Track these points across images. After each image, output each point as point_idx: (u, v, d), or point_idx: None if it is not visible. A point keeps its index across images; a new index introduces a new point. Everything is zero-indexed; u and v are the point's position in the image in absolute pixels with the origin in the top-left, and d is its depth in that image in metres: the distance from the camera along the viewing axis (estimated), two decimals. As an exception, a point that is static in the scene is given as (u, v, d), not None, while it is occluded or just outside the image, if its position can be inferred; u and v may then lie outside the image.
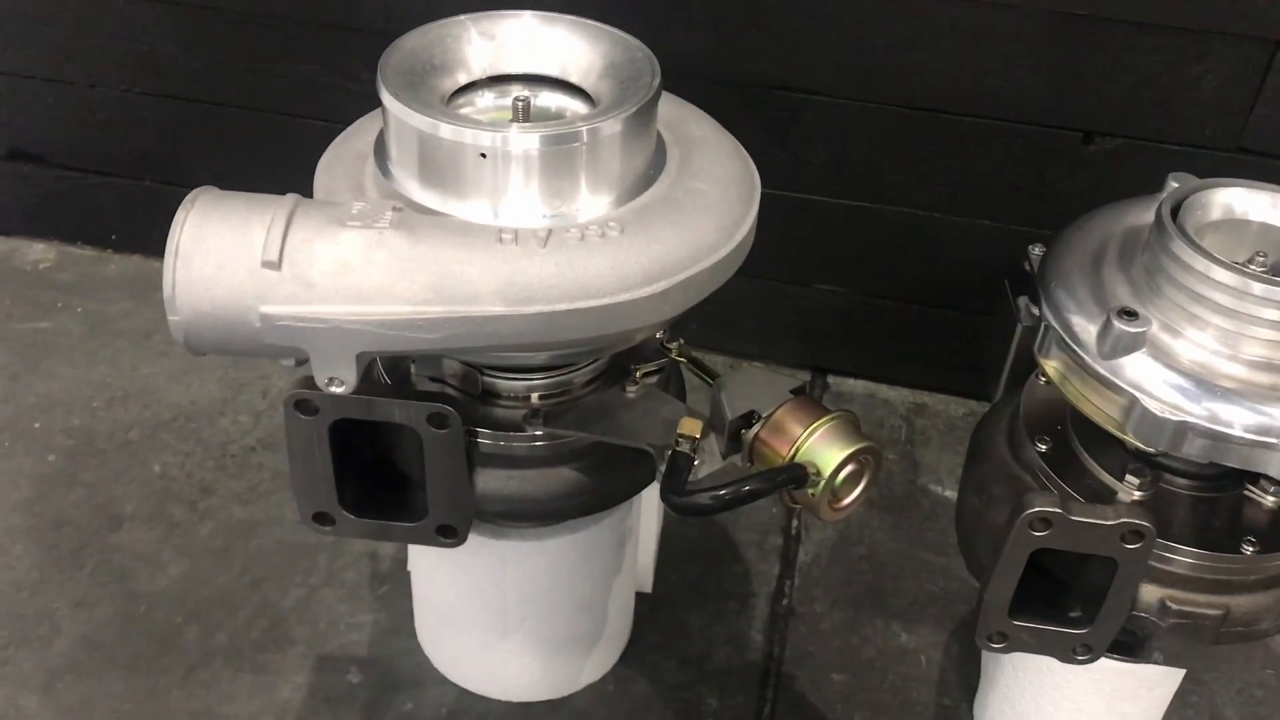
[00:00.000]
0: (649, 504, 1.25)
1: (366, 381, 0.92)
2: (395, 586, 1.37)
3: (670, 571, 1.41)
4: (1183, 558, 0.94)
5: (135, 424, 1.57)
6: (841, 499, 0.96)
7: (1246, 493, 0.97)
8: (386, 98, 0.89)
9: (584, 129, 0.87)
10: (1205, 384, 0.86)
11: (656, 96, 0.92)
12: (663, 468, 0.96)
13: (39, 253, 1.86)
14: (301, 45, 1.58)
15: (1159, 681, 1.13)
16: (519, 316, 0.84)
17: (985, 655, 1.27)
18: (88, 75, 1.69)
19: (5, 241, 1.87)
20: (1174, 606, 0.94)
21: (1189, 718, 1.31)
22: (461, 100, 0.96)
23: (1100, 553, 0.91)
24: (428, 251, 0.83)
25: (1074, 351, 0.90)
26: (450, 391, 1.03)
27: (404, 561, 1.32)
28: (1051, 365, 0.94)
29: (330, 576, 1.39)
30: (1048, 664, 1.04)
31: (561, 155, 0.87)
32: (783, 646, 1.35)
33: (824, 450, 0.93)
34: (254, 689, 1.27)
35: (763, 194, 0.98)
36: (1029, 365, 1.02)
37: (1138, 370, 0.87)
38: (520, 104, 0.95)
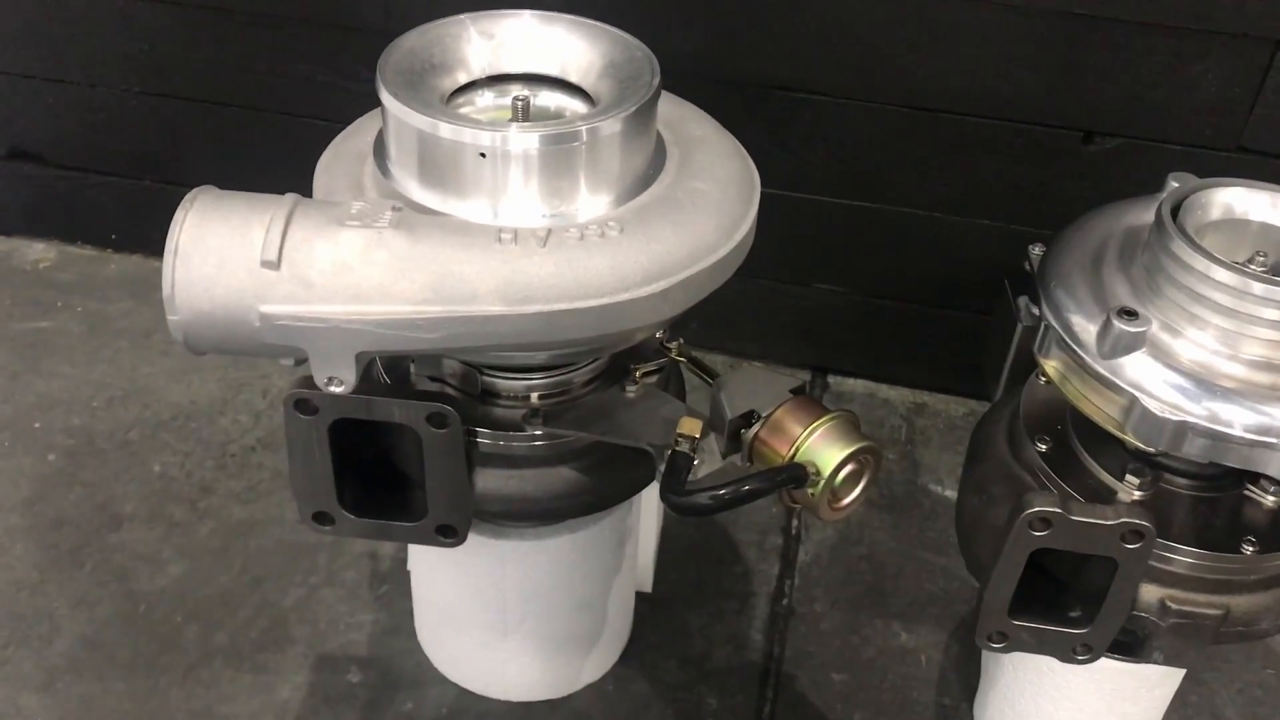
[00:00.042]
0: (649, 503, 1.25)
1: (366, 381, 0.92)
2: (395, 586, 1.37)
3: (670, 571, 1.41)
4: (1183, 557, 0.94)
5: (135, 423, 1.57)
6: (841, 499, 0.96)
7: (1246, 492, 0.97)
8: (386, 97, 0.89)
9: (583, 128, 0.87)
10: (1205, 384, 0.86)
11: (656, 96, 0.92)
12: (662, 467, 0.96)
13: (39, 252, 1.86)
14: (301, 45, 1.58)
15: (1159, 681, 1.13)
16: (518, 316, 0.84)
17: (985, 655, 1.27)
18: (88, 75, 1.69)
19: (5, 241, 1.87)
20: (1174, 606, 0.94)
21: (1189, 717, 1.31)
22: (461, 100, 0.96)
23: (1100, 553, 0.91)
24: (427, 251, 0.83)
25: (1074, 351, 0.90)
26: (450, 391, 1.03)
27: (404, 561, 1.32)
28: (1051, 365, 0.94)
29: (330, 576, 1.39)
30: (1048, 664, 1.04)
31: (561, 155, 0.87)
32: (783, 646, 1.35)
33: (824, 450, 0.93)
34: (254, 688, 1.27)
35: (762, 194, 0.98)
36: (1029, 365, 1.02)
37: (1138, 370, 0.87)
38: (520, 103, 0.95)
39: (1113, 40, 1.35)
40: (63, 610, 1.33)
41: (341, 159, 0.96)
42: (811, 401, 0.97)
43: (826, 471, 0.92)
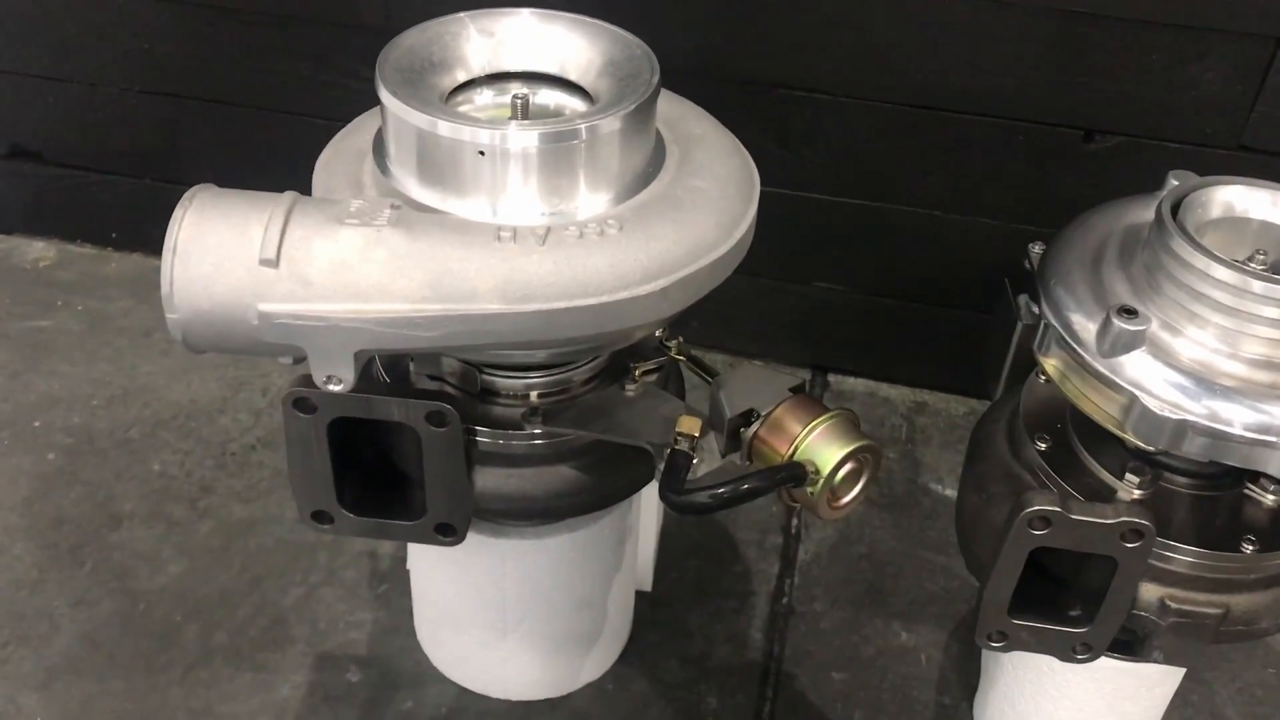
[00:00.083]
0: (648, 502, 1.24)
1: (365, 380, 0.92)
2: (395, 585, 1.37)
3: (670, 570, 1.41)
4: (1183, 556, 0.94)
5: (135, 422, 1.57)
6: (840, 497, 0.96)
7: (1246, 491, 0.97)
8: (385, 95, 0.88)
9: (583, 127, 0.87)
10: (1205, 382, 0.86)
11: (655, 94, 0.91)
12: (662, 466, 0.96)
13: (39, 251, 1.86)
14: (301, 43, 1.58)
15: (1159, 680, 1.13)
16: (517, 315, 0.83)
17: (985, 654, 1.26)
18: (88, 74, 1.69)
19: (5, 240, 1.87)
20: (1174, 605, 0.94)
21: (1189, 717, 1.31)
22: (460, 98, 0.96)
23: (1100, 551, 0.91)
24: (426, 249, 0.83)
25: (1074, 350, 0.90)
26: (449, 390, 1.03)
27: (403, 560, 1.32)
28: (1051, 363, 0.94)
29: (330, 575, 1.39)
30: (1048, 663, 1.04)
31: (560, 153, 0.87)
32: (783, 645, 1.35)
33: (823, 448, 0.93)
34: (253, 687, 1.27)
35: (762, 192, 0.98)
36: (1029, 363, 1.02)
37: (1137, 368, 0.87)
38: (519, 101, 0.95)
39: (1113, 38, 1.35)
40: (62, 609, 1.33)
41: (341, 157, 0.96)
42: (811, 400, 0.97)
43: (826, 470, 0.92)
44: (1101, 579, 0.93)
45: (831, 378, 1.73)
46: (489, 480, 1.01)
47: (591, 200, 0.89)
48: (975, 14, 1.37)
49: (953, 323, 1.61)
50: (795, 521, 1.50)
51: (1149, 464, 0.95)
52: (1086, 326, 0.90)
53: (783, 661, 1.34)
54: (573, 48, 0.97)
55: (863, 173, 1.52)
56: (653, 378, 1.07)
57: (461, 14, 0.97)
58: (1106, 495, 0.96)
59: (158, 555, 1.40)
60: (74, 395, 1.60)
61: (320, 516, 1.00)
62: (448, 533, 1.01)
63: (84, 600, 1.34)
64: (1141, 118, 1.40)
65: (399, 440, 1.00)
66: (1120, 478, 0.95)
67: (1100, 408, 0.90)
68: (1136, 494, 0.95)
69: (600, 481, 1.04)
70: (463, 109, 0.96)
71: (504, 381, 1.03)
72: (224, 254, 0.81)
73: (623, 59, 0.95)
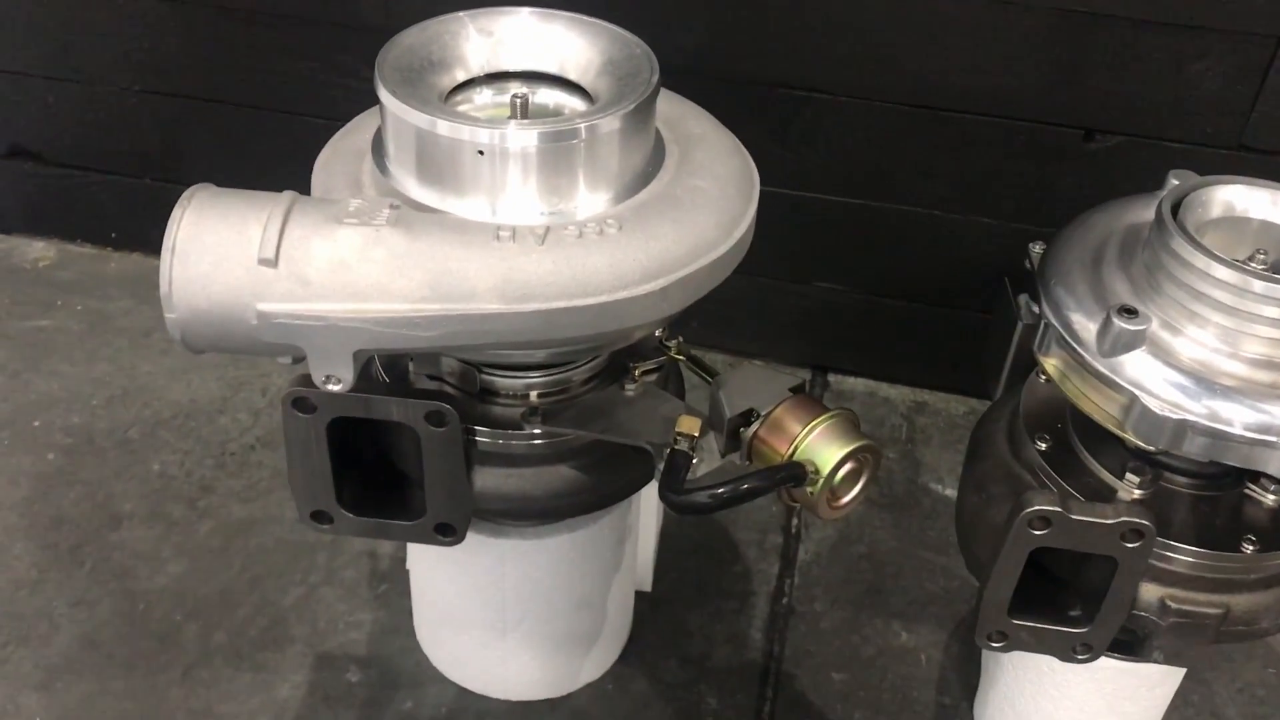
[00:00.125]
0: (648, 502, 1.24)
1: (364, 379, 0.92)
2: (394, 585, 1.37)
3: (670, 570, 1.41)
4: (1183, 556, 0.94)
5: (135, 422, 1.57)
6: (840, 497, 0.96)
7: (1247, 491, 0.97)
8: (384, 95, 0.88)
9: (582, 126, 0.87)
10: (1205, 382, 0.85)
11: (655, 93, 0.91)
12: (661, 466, 0.96)
13: (39, 251, 1.86)
14: (300, 43, 1.58)
15: (1159, 680, 1.13)
16: (516, 314, 0.83)
17: (985, 654, 1.26)
18: (88, 74, 1.69)
19: (5, 239, 1.87)
20: (1174, 605, 0.94)
21: (1189, 717, 1.30)
22: (459, 97, 0.96)
23: (1100, 551, 0.91)
24: (425, 249, 0.83)
25: (1074, 349, 0.90)
26: (448, 389, 1.03)
27: (403, 560, 1.31)
28: (1051, 363, 0.94)
29: (329, 575, 1.39)
30: (1048, 663, 1.04)
31: (559, 152, 0.87)
32: (782, 645, 1.35)
33: (823, 448, 0.93)
34: (253, 687, 1.27)
35: (762, 191, 0.97)
36: (1029, 363, 1.02)
37: (1138, 368, 0.87)
38: (518, 101, 0.95)
39: (1114, 38, 1.35)
40: (62, 609, 1.33)
41: (340, 157, 0.96)
42: (811, 400, 0.97)
43: (825, 470, 0.92)
44: (1102, 579, 0.92)
45: (831, 377, 1.72)
46: (488, 480, 1.01)
47: (591, 200, 0.89)
48: (975, 14, 1.36)
49: (953, 323, 1.61)
50: (795, 521, 1.50)
51: (1149, 464, 0.95)
52: (1087, 326, 0.90)
53: (783, 661, 1.33)
54: (572, 47, 0.97)
55: (863, 173, 1.52)
56: (652, 378, 1.07)
57: (461, 13, 0.97)
58: (1107, 495, 0.95)
59: (157, 555, 1.40)
60: (74, 395, 1.60)
61: (320, 516, 1.00)
62: (447, 533, 1.01)
63: (84, 600, 1.34)
64: (1142, 117, 1.40)
65: (398, 440, 1.00)
66: (1120, 478, 0.95)
67: (1100, 407, 0.90)
68: (1137, 494, 0.95)
69: (600, 481, 1.04)
70: (462, 108, 0.95)
71: (503, 381, 1.03)
72: (223, 253, 0.81)
73: (622, 58, 0.95)
